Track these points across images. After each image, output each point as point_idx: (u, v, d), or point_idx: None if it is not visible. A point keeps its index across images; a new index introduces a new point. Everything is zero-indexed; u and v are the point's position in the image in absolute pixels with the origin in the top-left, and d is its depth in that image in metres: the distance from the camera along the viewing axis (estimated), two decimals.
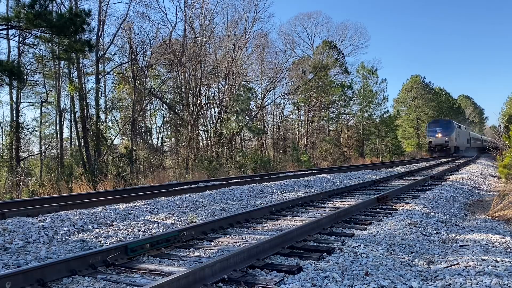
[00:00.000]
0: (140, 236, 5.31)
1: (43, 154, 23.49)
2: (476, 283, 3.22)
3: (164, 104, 29.18)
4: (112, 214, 6.32)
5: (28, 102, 25.36)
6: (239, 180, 11.27)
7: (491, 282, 3.21)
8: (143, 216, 6.61)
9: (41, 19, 10.18)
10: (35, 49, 18.23)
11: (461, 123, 48.77)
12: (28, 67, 21.62)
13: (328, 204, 8.12)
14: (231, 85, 25.74)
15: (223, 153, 22.85)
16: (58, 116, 23.57)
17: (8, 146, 21.14)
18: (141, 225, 6.06)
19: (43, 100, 24.82)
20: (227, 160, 22.28)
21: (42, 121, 25.60)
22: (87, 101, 21.04)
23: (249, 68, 29.91)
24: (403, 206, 7.33)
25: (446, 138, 36.94)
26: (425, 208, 6.88)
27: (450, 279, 3.37)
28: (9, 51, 21.42)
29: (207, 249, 4.61)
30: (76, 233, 5.48)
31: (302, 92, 33.61)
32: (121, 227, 5.90)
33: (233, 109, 23.50)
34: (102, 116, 23.88)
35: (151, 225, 6.08)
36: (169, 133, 33.28)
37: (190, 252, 4.54)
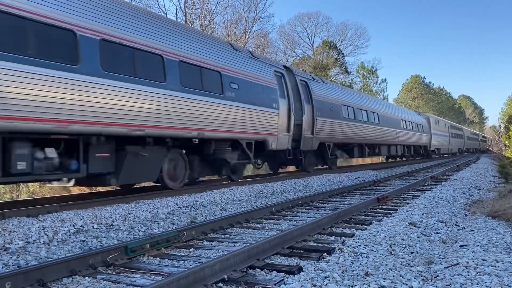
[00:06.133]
0: (140, 236, 5.31)
1: None
2: (477, 283, 3.21)
3: None
4: (112, 214, 6.32)
5: None
6: (239, 180, 11.27)
7: (491, 282, 3.21)
8: (143, 216, 6.61)
9: None
10: None
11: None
12: None
13: (328, 204, 8.12)
14: None
15: None
16: None
17: None
18: (141, 225, 6.07)
19: None
20: None
21: None
22: None
23: None
24: (403, 206, 7.33)
25: None
26: (425, 208, 6.88)
27: (451, 279, 3.37)
28: None
29: (207, 249, 4.61)
30: (76, 233, 5.49)
31: None
32: (121, 227, 5.90)
33: None
34: None
35: (151, 225, 6.09)
36: None
37: (190, 252, 4.54)
